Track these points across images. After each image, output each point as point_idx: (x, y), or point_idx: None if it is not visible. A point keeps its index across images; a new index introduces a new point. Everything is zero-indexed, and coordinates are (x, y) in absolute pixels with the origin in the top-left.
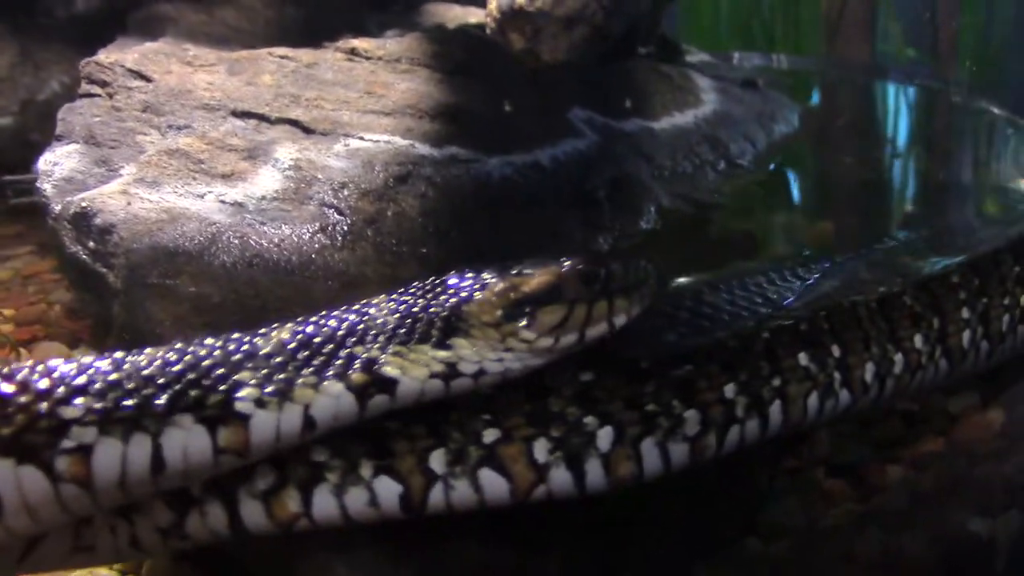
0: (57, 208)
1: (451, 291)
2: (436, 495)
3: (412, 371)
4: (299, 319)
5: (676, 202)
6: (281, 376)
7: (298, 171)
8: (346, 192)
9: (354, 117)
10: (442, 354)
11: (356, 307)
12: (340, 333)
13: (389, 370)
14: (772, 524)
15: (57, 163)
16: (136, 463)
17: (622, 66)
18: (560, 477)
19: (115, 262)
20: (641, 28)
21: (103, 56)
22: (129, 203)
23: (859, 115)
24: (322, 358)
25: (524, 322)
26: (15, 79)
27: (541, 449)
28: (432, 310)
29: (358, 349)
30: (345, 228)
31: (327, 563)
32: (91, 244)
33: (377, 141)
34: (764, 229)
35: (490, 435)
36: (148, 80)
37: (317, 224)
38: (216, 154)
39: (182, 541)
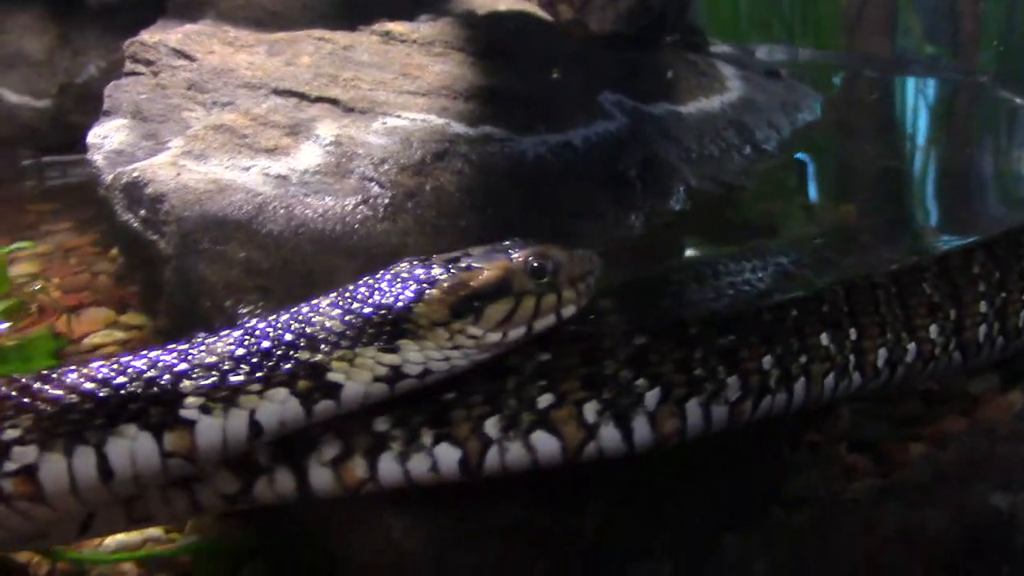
0: (108, 178)
1: (398, 290)
2: (492, 458)
3: (357, 376)
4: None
5: (704, 183)
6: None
7: (339, 147)
8: (386, 167)
9: (391, 97)
10: (388, 357)
11: (306, 309)
12: (288, 339)
13: (334, 376)
14: (795, 496)
15: (106, 136)
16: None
17: (650, 53)
18: (609, 435)
19: (166, 230)
20: (669, 16)
21: (147, 36)
22: (179, 174)
23: (881, 106)
24: (271, 363)
25: (472, 318)
26: (54, 63)
27: (591, 410)
28: (381, 312)
29: (304, 355)
30: (386, 201)
31: (378, 515)
32: (142, 213)
33: (414, 120)
34: (788, 211)
35: (544, 400)
36: (191, 59)
37: (359, 196)
38: (259, 130)
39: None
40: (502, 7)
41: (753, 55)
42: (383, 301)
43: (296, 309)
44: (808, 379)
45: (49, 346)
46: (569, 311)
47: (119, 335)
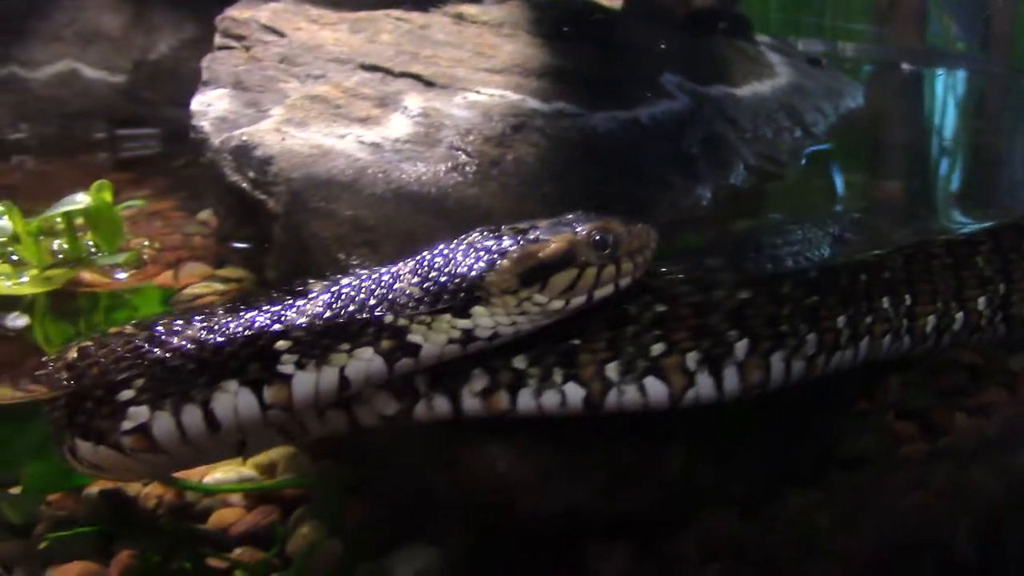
0: (216, 142)
1: (472, 260)
2: (611, 398)
3: (433, 338)
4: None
5: (760, 161)
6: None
7: (426, 118)
8: (471, 137)
9: (468, 73)
10: (462, 322)
11: (387, 277)
12: (372, 303)
13: (414, 337)
14: (850, 456)
15: (210, 104)
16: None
17: (703, 38)
18: (704, 383)
19: (275, 190)
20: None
21: (237, 13)
22: (283, 139)
23: (922, 95)
24: (357, 327)
25: (538, 287)
26: (129, 40)
27: (693, 359)
28: (456, 280)
29: (388, 318)
30: (473, 168)
31: (482, 444)
32: (251, 174)
33: (492, 95)
34: (838, 187)
35: (657, 349)
36: (281, 35)
37: (449, 163)
38: (351, 101)
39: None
40: None
41: (794, 46)
42: (458, 271)
43: (378, 275)
44: (871, 339)
45: (159, 295)
46: (626, 281)
47: (218, 286)
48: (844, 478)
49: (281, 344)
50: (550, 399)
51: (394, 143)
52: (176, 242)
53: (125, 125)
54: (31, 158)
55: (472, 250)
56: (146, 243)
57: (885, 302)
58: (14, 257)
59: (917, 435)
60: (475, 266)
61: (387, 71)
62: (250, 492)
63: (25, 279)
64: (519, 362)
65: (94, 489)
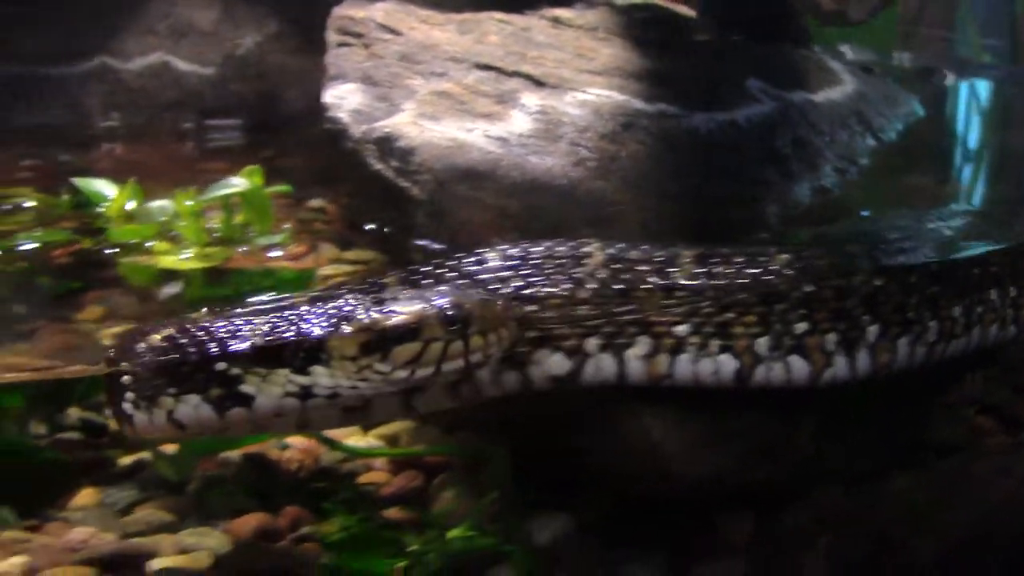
0: (357, 133)
1: (322, 320)
2: (759, 373)
3: (268, 390)
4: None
5: (842, 163)
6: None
7: (544, 115)
8: (588, 134)
9: (573, 75)
10: (300, 378)
11: (240, 321)
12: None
13: (246, 388)
14: (939, 444)
15: (344, 98)
16: None
17: (771, 46)
18: (840, 363)
19: (419, 178)
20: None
21: (352, 12)
22: (422, 132)
23: (968, 103)
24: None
25: (379, 356)
26: (219, 34)
27: (832, 340)
28: (299, 339)
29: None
30: (595, 163)
31: (638, 414)
32: (394, 163)
33: (599, 95)
34: (917, 188)
35: (801, 327)
36: (398, 34)
37: (572, 158)
38: (473, 98)
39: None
40: None
41: (843, 55)
42: (303, 329)
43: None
44: (981, 327)
45: (294, 275)
46: (477, 358)
47: (346, 268)
48: (936, 464)
49: None
50: (705, 367)
51: (519, 138)
52: (295, 228)
53: (213, 116)
54: (120, 146)
55: (326, 309)
56: (287, 226)
57: (993, 294)
58: (172, 234)
59: (996, 429)
60: (320, 328)
61: (500, 70)
62: (393, 458)
63: (187, 255)
64: (682, 330)
65: (233, 453)
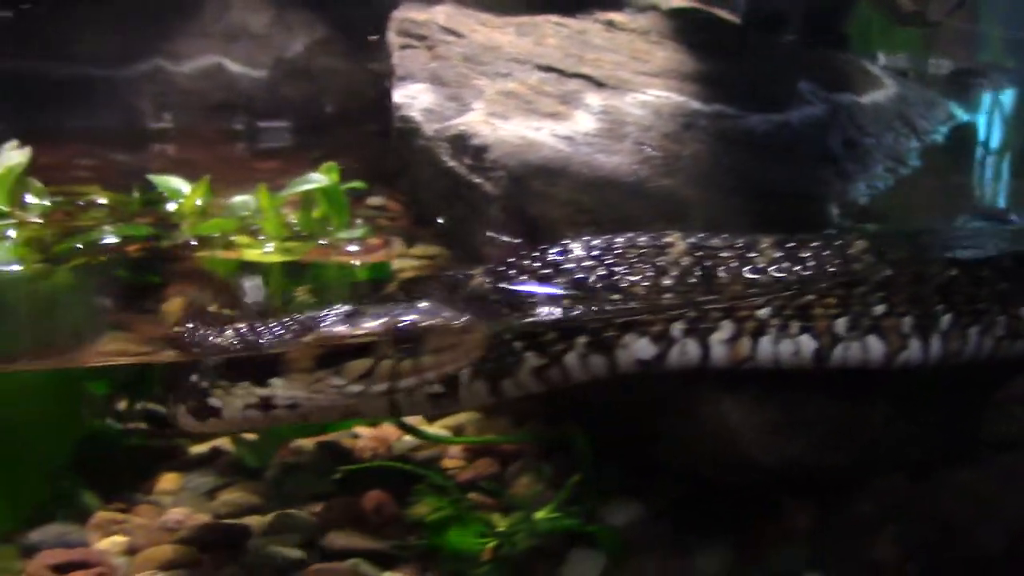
0: (430, 131)
1: (284, 332)
2: (837, 352)
3: (232, 402)
4: None
5: (891, 163)
6: None
7: (608, 115)
8: (651, 133)
9: (631, 76)
10: (259, 390)
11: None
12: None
13: (213, 401)
14: (996, 439)
15: (414, 97)
16: None
17: (818, 50)
18: (914, 347)
19: (493, 174)
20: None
21: (413, 15)
22: (494, 130)
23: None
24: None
25: (333, 370)
26: (271, 38)
27: (907, 324)
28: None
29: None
30: (660, 161)
31: (716, 401)
32: (467, 160)
33: (658, 96)
34: (957, 185)
35: (879, 309)
36: (460, 36)
37: (638, 156)
38: (537, 98)
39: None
40: (675, 3)
41: (877, 59)
42: (261, 341)
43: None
44: None
45: (368, 271)
46: (430, 375)
47: (411, 263)
48: (996, 457)
49: None
50: (786, 348)
51: (584, 136)
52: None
53: (264, 118)
54: (172, 146)
55: (287, 323)
56: (359, 221)
57: None
58: (252, 229)
59: None
60: (284, 340)
61: (561, 72)
62: (468, 446)
63: (269, 248)
64: (763, 313)
65: (306, 441)
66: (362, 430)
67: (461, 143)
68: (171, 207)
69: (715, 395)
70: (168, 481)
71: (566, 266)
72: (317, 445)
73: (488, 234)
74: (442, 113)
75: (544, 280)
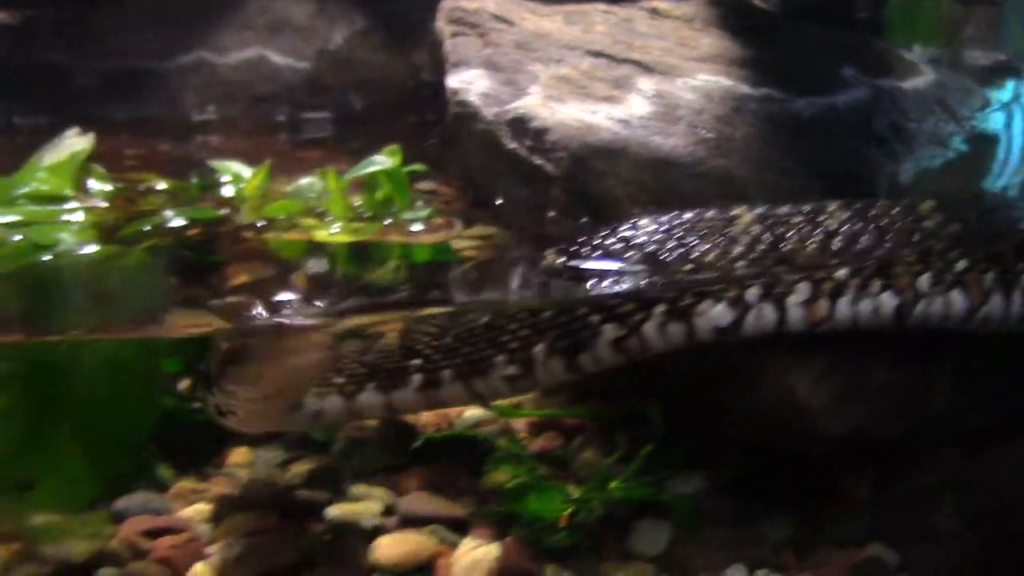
0: (489, 115)
1: None
2: (919, 309)
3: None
4: None
5: (935, 147)
6: None
7: (660, 99)
8: (704, 116)
9: (679, 62)
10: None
11: None
12: None
13: None
14: None
15: (471, 83)
16: None
17: (856, 36)
18: (996, 303)
19: (555, 155)
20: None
21: (464, 3)
22: (553, 113)
23: None
24: None
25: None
26: (314, 29)
27: (989, 279)
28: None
29: None
30: (714, 143)
31: (783, 371)
32: (528, 142)
33: (707, 81)
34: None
35: (961, 264)
36: (511, 23)
37: (693, 138)
38: (590, 83)
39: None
40: None
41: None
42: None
43: None
44: None
45: (430, 251)
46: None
47: (468, 243)
48: None
49: None
50: (865, 307)
51: (639, 120)
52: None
53: (306, 109)
54: (216, 137)
55: None
56: (419, 203)
57: None
58: (318, 211)
59: None
60: None
61: (611, 57)
62: (532, 420)
63: (336, 229)
64: (840, 274)
65: None
66: None
67: (521, 126)
68: (227, 192)
69: (783, 367)
70: (239, 455)
71: (638, 240)
72: (380, 421)
73: (550, 214)
74: (499, 97)
75: (617, 255)
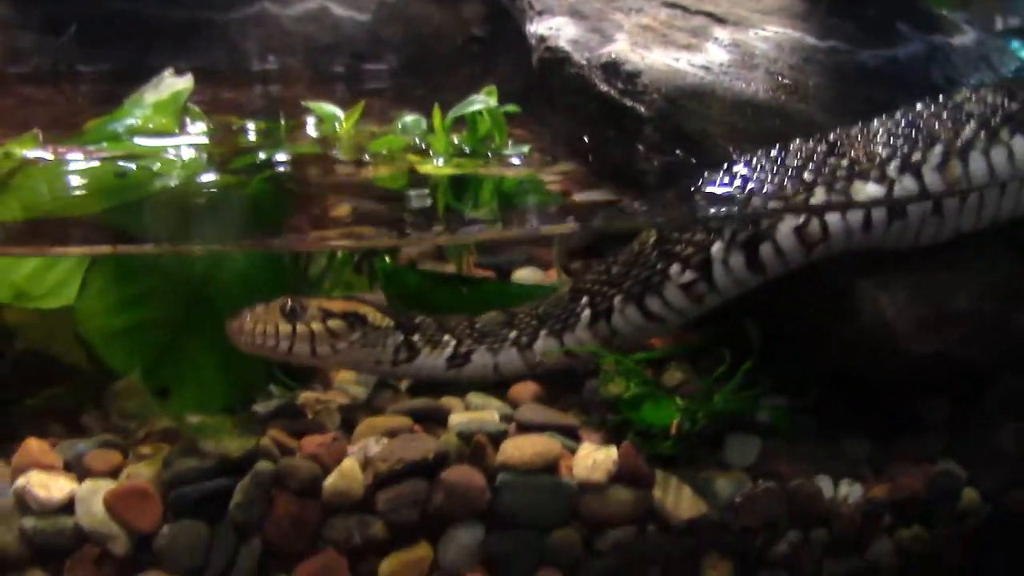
0: (581, 59)
1: None
2: None
3: None
4: None
5: None
6: None
7: (737, 47)
8: (778, 64)
9: (747, 14)
10: None
11: None
12: None
13: None
14: None
15: (559, 29)
16: None
17: None
18: None
19: (647, 97)
20: None
21: None
22: (642, 58)
23: None
24: None
25: None
26: None
27: None
28: None
29: None
30: (792, 88)
31: (872, 293)
32: (619, 85)
33: (776, 32)
34: None
35: None
36: None
37: (772, 83)
38: (670, 31)
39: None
40: None
41: None
42: None
43: None
44: None
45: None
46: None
47: (554, 178)
48: None
49: None
50: (999, 155)
51: (719, 66)
52: None
53: (366, 60)
54: (279, 87)
55: None
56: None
57: None
58: (421, 148)
59: None
60: None
61: (685, 9)
62: None
63: (440, 162)
64: (966, 132)
65: None
66: None
67: (613, 69)
68: (312, 133)
69: (872, 294)
70: (344, 375)
71: (752, 174)
72: None
73: (640, 150)
74: (587, 44)
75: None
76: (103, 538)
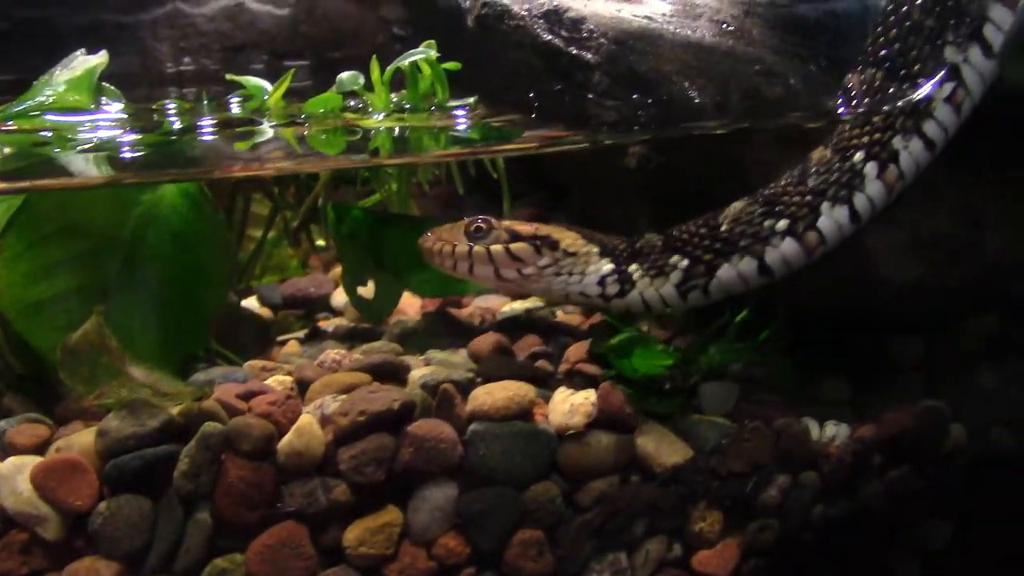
0: (521, 11)
1: None
2: None
3: None
4: None
5: None
6: None
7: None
8: (720, 15)
9: None
10: None
11: None
12: None
13: None
14: None
15: None
16: None
17: None
18: None
19: (593, 42)
20: None
21: None
22: (585, 5)
23: None
24: None
25: None
26: None
27: None
28: None
29: None
30: (738, 34)
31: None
32: (563, 33)
33: None
34: None
35: None
36: None
37: (717, 30)
38: None
39: None
40: None
41: None
42: None
43: None
44: None
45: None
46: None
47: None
48: None
49: None
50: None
51: (663, 16)
52: None
53: (285, 57)
54: (195, 88)
55: None
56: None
57: None
58: (358, 105)
59: None
60: None
61: None
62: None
63: (380, 117)
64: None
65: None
66: (467, 299)
67: (556, 17)
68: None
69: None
70: (292, 347)
71: None
72: (422, 314)
73: (590, 98)
74: None
75: None
76: (31, 521)
